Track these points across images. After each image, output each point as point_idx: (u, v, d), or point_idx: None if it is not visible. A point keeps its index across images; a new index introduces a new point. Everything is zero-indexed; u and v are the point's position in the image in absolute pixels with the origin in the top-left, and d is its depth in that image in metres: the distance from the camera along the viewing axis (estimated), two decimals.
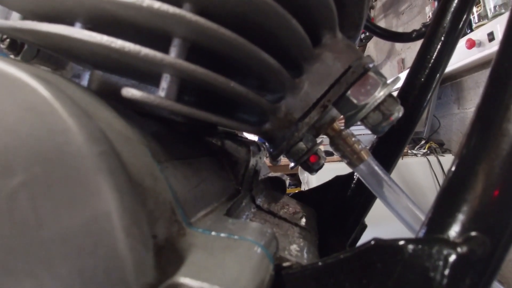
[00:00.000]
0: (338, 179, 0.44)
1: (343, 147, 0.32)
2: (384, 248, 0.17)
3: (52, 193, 0.11)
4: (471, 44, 1.27)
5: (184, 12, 0.17)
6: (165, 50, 0.19)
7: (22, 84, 0.13)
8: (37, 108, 0.12)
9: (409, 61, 2.10)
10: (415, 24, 2.00)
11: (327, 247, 0.34)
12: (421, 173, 1.37)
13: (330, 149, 0.34)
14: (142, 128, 0.20)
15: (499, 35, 1.18)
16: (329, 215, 0.42)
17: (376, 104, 0.25)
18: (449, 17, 0.41)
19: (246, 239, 0.18)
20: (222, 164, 0.31)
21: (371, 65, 0.26)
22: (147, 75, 0.23)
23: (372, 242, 0.17)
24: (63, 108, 0.12)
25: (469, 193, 0.17)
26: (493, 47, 1.21)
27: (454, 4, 0.41)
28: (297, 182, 2.19)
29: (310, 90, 0.26)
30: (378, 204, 0.38)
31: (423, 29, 1.06)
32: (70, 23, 0.21)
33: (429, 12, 1.75)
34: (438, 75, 0.42)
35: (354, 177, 0.43)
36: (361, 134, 1.59)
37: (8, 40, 0.31)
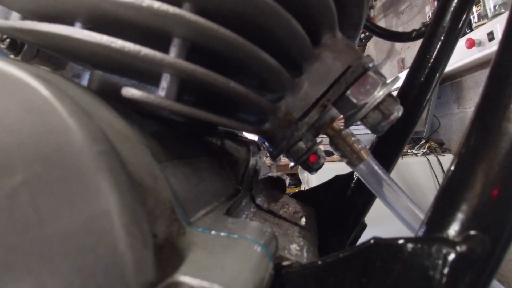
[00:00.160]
0: (338, 179, 0.45)
1: (342, 147, 0.33)
2: (384, 247, 0.17)
3: (52, 192, 0.11)
4: (471, 44, 1.27)
5: (183, 12, 0.17)
6: (165, 50, 0.19)
7: (22, 84, 0.13)
8: (37, 107, 0.12)
9: (409, 61, 2.10)
10: (415, 24, 2.00)
11: (327, 247, 0.34)
12: (421, 173, 1.37)
13: (330, 148, 0.34)
14: (142, 128, 0.20)
15: (499, 35, 1.18)
16: (329, 215, 0.42)
17: (375, 103, 0.25)
18: (448, 16, 0.41)
19: (246, 238, 0.18)
20: (222, 164, 0.31)
21: (370, 65, 0.26)
22: (147, 75, 0.23)
23: (372, 241, 0.17)
24: (63, 107, 0.12)
25: (468, 192, 0.17)
26: (493, 47, 1.21)
27: (454, 4, 0.41)
28: (297, 181, 2.19)
29: (309, 90, 0.27)
30: (378, 204, 0.38)
31: (423, 28, 1.06)
32: (70, 23, 0.21)
33: (429, 11, 1.75)
34: (437, 74, 0.42)
35: (354, 176, 0.43)
36: (361, 134, 1.59)
37: (8, 40, 0.31)
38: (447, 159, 1.39)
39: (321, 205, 0.43)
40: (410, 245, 0.16)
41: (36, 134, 0.12)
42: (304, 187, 1.60)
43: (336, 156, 0.51)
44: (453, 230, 0.16)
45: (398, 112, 0.26)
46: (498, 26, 1.18)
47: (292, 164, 0.32)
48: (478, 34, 1.26)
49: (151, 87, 0.28)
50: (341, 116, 0.30)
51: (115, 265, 0.11)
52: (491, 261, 0.16)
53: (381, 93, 0.25)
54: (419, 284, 0.16)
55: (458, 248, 0.15)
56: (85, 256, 0.11)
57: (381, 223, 0.70)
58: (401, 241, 0.16)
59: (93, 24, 0.21)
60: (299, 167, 0.32)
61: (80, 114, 0.13)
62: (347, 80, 0.26)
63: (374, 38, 2.39)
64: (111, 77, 0.27)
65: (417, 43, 0.47)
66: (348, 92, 0.26)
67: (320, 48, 0.27)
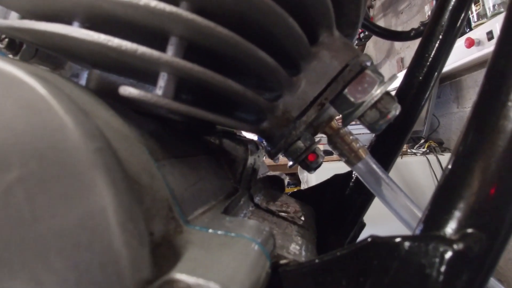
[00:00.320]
0: (336, 178, 0.45)
1: (341, 146, 0.33)
2: (381, 245, 0.17)
3: (48, 189, 0.11)
4: (470, 43, 1.27)
5: (180, 11, 0.17)
6: (163, 49, 0.19)
7: (19, 82, 0.13)
8: (34, 105, 0.12)
9: (408, 60, 2.10)
10: (414, 23, 2.00)
11: (326, 246, 0.34)
12: (420, 172, 1.37)
13: (329, 148, 0.34)
14: (140, 126, 0.20)
15: (498, 34, 1.18)
16: (327, 214, 0.43)
17: (373, 102, 0.25)
18: (447, 15, 0.41)
19: (243, 236, 0.18)
20: (220, 163, 0.31)
21: (368, 63, 0.26)
22: (144, 73, 0.23)
23: (369, 239, 0.17)
24: (59, 105, 0.13)
25: (465, 190, 0.17)
26: (492, 46, 1.21)
27: (452, 3, 0.41)
28: (296, 181, 2.19)
29: (307, 89, 0.27)
30: (377, 203, 0.39)
31: (422, 27, 1.06)
32: (68, 22, 0.21)
33: (428, 11, 1.75)
34: (436, 73, 0.42)
35: (353, 175, 0.43)
36: (361, 133, 1.59)
37: (6, 39, 0.32)
38: (447, 159, 1.38)
39: (320, 204, 0.43)
40: (407, 243, 0.16)
41: (33, 131, 0.12)
42: (304, 186, 1.60)
43: (335, 155, 0.51)
44: (450, 228, 0.16)
45: (395, 110, 0.26)
46: (497, 25, 1.18)
47: (290, 163, 0.32)
48: (478, 33, 1.26)
49: (149, 86, 0.28)
50: (340, 115, 0.30)
51: (111, 262, 0.11)
52: (488, 259, 0.16)
53: (378, 91, 0.25)
54: (416, 282, 0.16)
55: (455, 246, 0.15)
56: (81, 253, 0.11)
57: (380, 222, 0.70)
58: (398, 239, 0.16)
59: (91, 23, 0.21)
60: (299, 166, 0.32)
61: (77, 112, 0.13)
62: (344, 78, 0.26)
63: (374, 38, 2.39)
64: (109, 76, 0.27)
65: (417, 43, 0.47)
66: (346, 90, 0.26)
67: (318, 46, 0.27)
